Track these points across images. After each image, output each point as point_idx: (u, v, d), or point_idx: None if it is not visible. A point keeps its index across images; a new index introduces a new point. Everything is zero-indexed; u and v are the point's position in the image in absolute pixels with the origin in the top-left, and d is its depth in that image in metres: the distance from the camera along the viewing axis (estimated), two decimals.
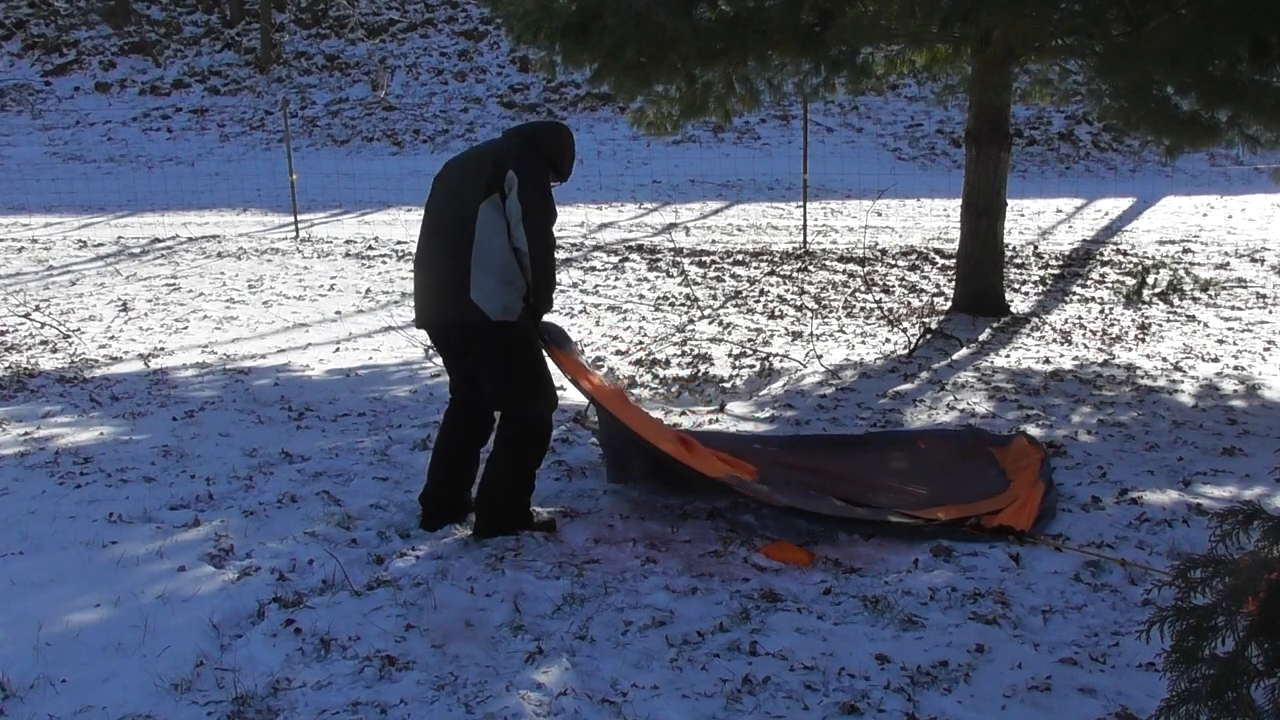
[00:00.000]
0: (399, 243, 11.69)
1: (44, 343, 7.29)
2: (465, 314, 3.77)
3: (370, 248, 11.37)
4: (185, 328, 7.72)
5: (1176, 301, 8.19)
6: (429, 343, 7.03)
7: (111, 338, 7.42)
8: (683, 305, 8.36)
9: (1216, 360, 6.53)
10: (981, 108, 7.52)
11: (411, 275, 4.24)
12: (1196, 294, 8.39)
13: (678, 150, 15.78)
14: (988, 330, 7.39)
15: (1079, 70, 8.03)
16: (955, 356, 6.68)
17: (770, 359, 6.63)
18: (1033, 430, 5.22)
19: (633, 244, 11.42)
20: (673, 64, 7.07)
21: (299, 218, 12.63)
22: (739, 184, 15.39)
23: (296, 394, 5.96)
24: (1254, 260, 9.80)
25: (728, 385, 6.12)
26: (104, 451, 4.96)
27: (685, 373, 6.37)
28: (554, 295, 3.95)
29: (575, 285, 9.18)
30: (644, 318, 7.94)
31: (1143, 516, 4.09)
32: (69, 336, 7.44)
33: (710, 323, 7.73)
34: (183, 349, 7.07)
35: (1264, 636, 1.98)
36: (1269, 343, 6.94)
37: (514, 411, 3.95)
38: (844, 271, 9.65)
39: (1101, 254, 10.41)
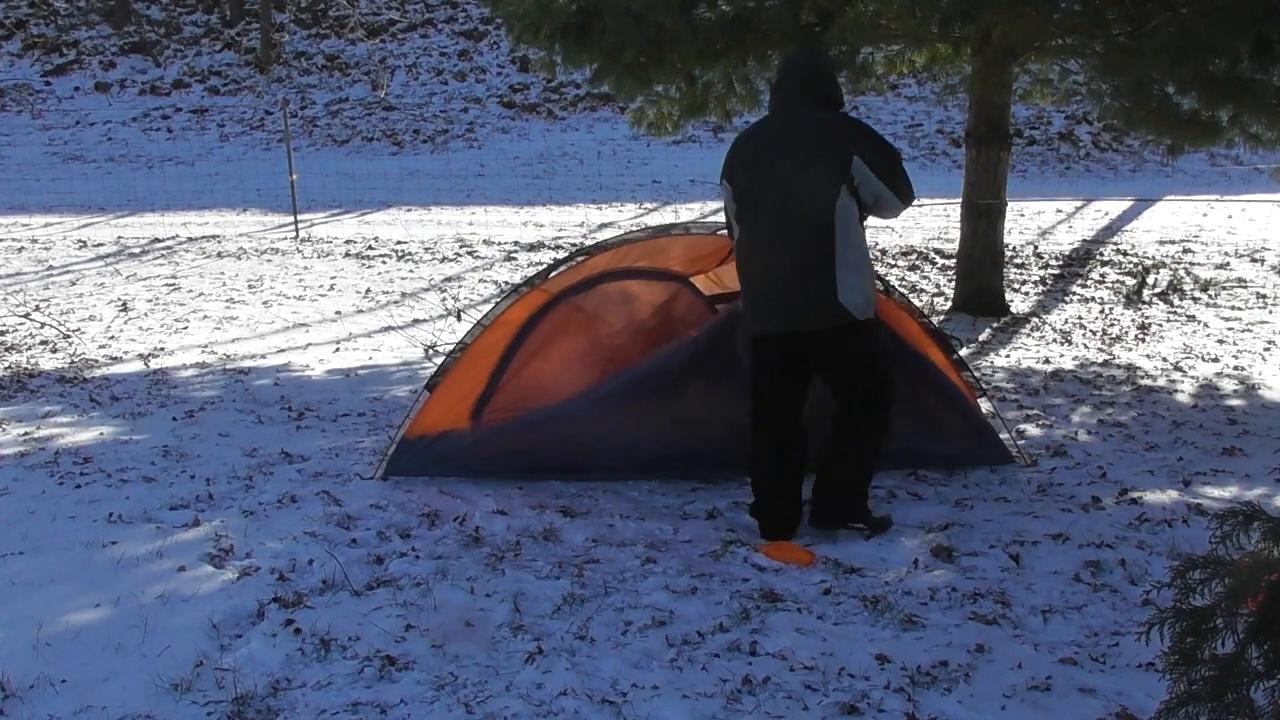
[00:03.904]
0: (399, 243, 11.69)
1: (44, 343, 7.29)
2: (834, 319, 3.70)
3: (370, 248, 11.37)
4: (185, 328, 7.71)
5: (1176, 301, 8.19)
6: (427, 346, 7.02)
7: (111, 338, 7.42)
8: None
9: (1216, 360, 6.53)
10: (981, 108, 7.52)
11: (740, 277, 3.96)
12: (1196, 294, 8.39)
13: (678, 150, 15.76)
14: (988, 330, 7.39)
15: (1079, 70, 8.03)
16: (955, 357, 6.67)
17: None
18: (1032, 430, 5.23)
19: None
20: (673, 64, 7.06)
21: (299, 218, 12.63)
22: None
23: (296, 394, 5.96)
24: (1254, 260, 9.80)
25: None
26: (104, 451, 4.96)
27: None
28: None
29: None
30: None
31: (1143, 516, 4.09)
32: (69, 336, 7.44)
33: None
34: (183, 349, 7.07)
35: (1264, 638, 1.97)
36: (1269, 343, 6.94)
37: (872, 404, 3.85)
38: None
39: (1101, 254, 10.41)
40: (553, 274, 4.61)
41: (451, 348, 6.57)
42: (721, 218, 4.36)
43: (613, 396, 4.40)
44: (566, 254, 4.74)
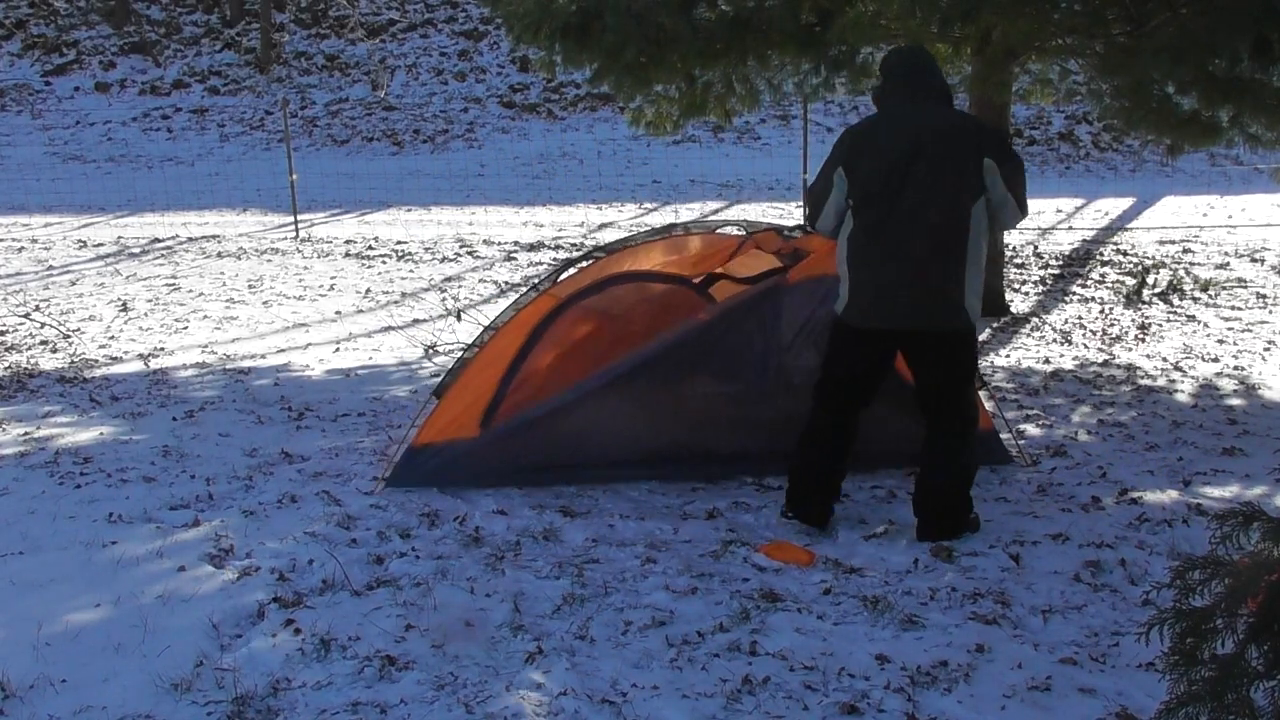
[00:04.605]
0: (399, 243, 11.69)
1: (44, 343, 7.29)
2: (955, 322, 3.72)
3: (370, 248, 11.37)
4: (185, 328, 7.72)
5: (1176, 301, 8.19)
6: (427, 346, 7.02)
7: (111, 338, 7.42)
8: None
9: (1216, 360, 6.53)
10: (981, 108, 7.52)
11: (852, 268, 3.81)
12: (1196, 294, 8.39)
13: (678, 150, 15.77)
14: (988, 330, 7.39)
15: (1079, 70, 8.02)
16: None
17: None
18: (1032, 430, 5.23)
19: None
20: (673, 64, 7.06)
21: (299, 218, 12.63)
22: (739, 184, 15.37)
23: (296, 394, 5.96)
24: (1254, 260, 9.80)
25: None
26: (104, 451, 4.96)
27: None
28: None
29: None
30: None
31: (1143, 516, 4.09)
32: (69, 336, 7.44)
33: None
34: (183, 349, 7.07)
35: (1264, 638, 1.97)
36: (1269, 343, 6.94)
37: (966, 411, 3.90)
38: None
39: (1101, 254, 10.41)
40: (561, 277, 4.60)
41: (455, 349, 6.60)
42: (719, 221, 4.36)
43: (616, 379, 4.39)
44: (571, 257, 4.75)
